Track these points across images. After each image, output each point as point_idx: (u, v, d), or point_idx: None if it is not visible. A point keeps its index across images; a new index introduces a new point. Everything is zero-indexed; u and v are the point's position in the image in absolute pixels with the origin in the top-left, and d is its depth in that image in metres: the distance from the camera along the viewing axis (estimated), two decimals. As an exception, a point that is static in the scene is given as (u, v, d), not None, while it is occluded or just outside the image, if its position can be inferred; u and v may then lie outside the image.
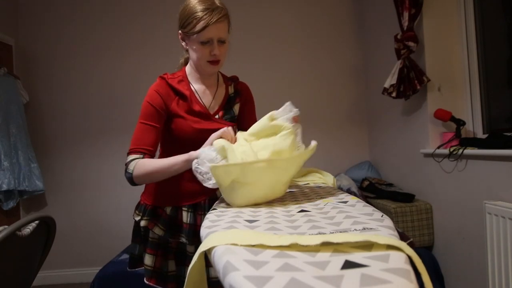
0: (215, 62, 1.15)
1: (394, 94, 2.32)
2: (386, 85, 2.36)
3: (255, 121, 1.36)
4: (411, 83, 2.19)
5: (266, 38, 3.18)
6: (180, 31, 1.17)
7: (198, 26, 1.08)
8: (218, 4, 1.11)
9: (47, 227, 1.33)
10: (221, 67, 1.22)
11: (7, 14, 2.96)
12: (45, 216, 1.28)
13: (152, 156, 1.13)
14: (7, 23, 2.94)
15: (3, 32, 2.86)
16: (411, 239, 2.10)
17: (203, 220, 1.25)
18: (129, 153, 1.12)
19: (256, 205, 0.94)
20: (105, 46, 3.11)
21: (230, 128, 1.05)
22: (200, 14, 1.08)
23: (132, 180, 1.10)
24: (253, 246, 0.56)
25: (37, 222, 1.23)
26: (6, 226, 1.12)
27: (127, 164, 1.10)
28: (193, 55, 1.16)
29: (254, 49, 3.17)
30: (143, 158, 1.10)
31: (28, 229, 1.19)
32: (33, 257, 1.30)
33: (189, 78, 1.24)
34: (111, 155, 3.08)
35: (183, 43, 1.19)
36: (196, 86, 1.24)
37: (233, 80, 1.34)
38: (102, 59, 3.10)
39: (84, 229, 3.05)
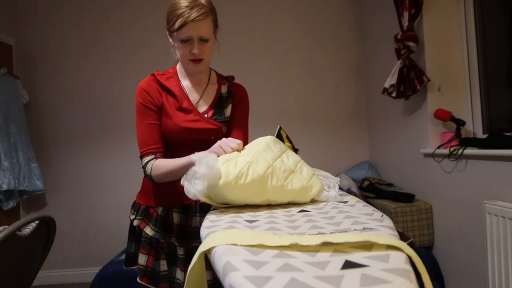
0: (196, 60, 1.13)
1: (394, 94, 2.32)
2: (386, 85, 2.36)
3: (243, 126, 1.29)
4: (411, 83, 2.19)
5: (265, 38, 3.18)
6: (166, 29, 1.16)
7: (177, 24, 1.07)
8: (201, 1, 1.08)
9: (47, 227, 1.33)
10: (206, 66, 1.20)
11: (7, 14, 2.95)
12: (45, 216, 1.27)
13: (162, 152, 1.16)
14: (7, 23, 2.94)
15: (3, 32, 2.86)
16: (411, 239, 2.10)
17: (193, 221, 1.25)
18: (141, 156, 1.16)
19: (256, 205, 0.94)
20: (105, 46, 3.10)
21: (224, 143, 1.01)
22: (179, 11, 1.06)
23: (153, 181, 1.15)
24: (253, 246, 0.56)
25: (37, 222, 1.23)
26: (6, 226, 1.12)
27: (144, 167, 1.15)
28: (177, 53, 1.16)
29: (253, 49, 3.17)
30: (155, 157, 1.14)
31: (28, 229, 1.19)
32: (33, 257, 1.29)
33: (179, 74, 1.24)
34: (111, 155, 3.08)
35: (170, 40, 1.18)
36: (185, 83, 1.23)
37: (228, 80, 1.29)
38: (102, 59, 3.10)
39: (84, 229, 3.05)
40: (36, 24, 3.07)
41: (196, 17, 1.05)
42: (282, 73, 3.18)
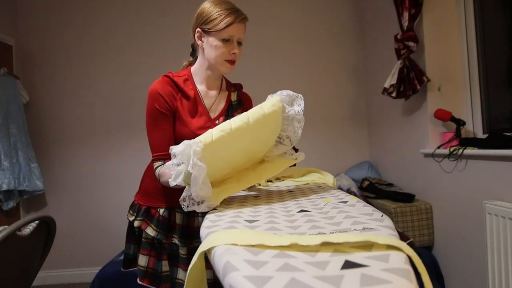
0: (232, 61, 1.17)
1: (394, 94, 2.32)
2: (386, 85, 2.36)
3: None
4: (411, 83, 2.19)
5: (265, 39, 3.18)
6: (198, 29, 1.16)
7: (223, 23, 1.10)
8: (238, 8, 1.16)
9: (47, 227, 1.33)
10: (235, 69, 1.21)
11: (7, 14, 2.95)
12: (45, 216, 1.28)
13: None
14: (7, 23, 2.94)
15: (3, 32, 2.86)
16: (411, 239, 2.10)
17: (196, 221, 1.26)
18: (153, 161, 1.18)
19: (256, 204, 0.94)
20: (105, 46, 3.10)
21: None
22: (225, 12, 1.11)
23: (162, 184, 1.16)
24: (253, 246, 0.56)
25: (37, 222, 1.23)
26: (6, 226, 1.12)
27: (154, 172, 1.17)
28: (211, 53, 1.15)
29: (253, 49, 3.16)
30: (164, 164, 1.14)
31: (28, 229, 1.19)
32: (33, 257, 1.29)
33: (194, 78, 1.23)
34: (111, 155, 3.08)
35: (199, 42, 1.18)
36: (200, 87, 1.23)
37: (237, 87, 1.32)
38: (102, 59, 3.10)
39: (84, 229, 3.05)
40: (36, 24, 3.07)
41: (241, 19, 1.13)
42: (282, 72, 3.18)
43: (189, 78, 1.22)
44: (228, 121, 0.96)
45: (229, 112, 1.26)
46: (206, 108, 1.22)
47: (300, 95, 1.07)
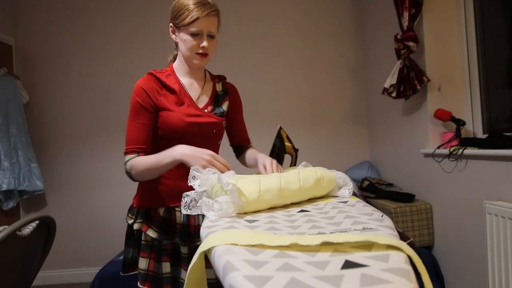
0: (203, 54, 1.18)
1: (394, 94, 2.32)
2: (386, 85, 2.36)
3: (243, 121, 1.41)
4: (411, 83, 2.19)
5: (265, 38, 3.18)
6: (171, 24, 1.20)
7: (190, 18, 1.12)
8: (210, 2, 1.16)
9: (47, 227, 1.33)
10: (209, 61, 1.23)
11: (7, 14, 2.95)
12: (45, 216, 1.28)
13: (146, 153, 1.16)
14: (7, 23, 2.94)
15: (3, 32, 2.86)
16: (411, 239, 2.10)
17: (196, 220, 1.26)
18: (125, 153, 1.16)
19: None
20: (105, 46, 3.10)
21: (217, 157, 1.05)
22: (192, 6, 1.12)
23: (133, 178, 1.16)
24: (253, 246, 0.56)
25: (37, 222, 1.23)
26: (6, 226, 1.12)
27: (125, 164, 1.16)
28: (182, 47, 1.19)
29: (252, 49, 3.17)
30: (137, 156, 1.14)
31: (28, 229, 1.19)
32: (33, 257, 1.30)
33: (177, 72, 1.26)
34: (111, 155, 3.08)
35: (173, 36, 1.22)
36: (184, 80, 1.25)
37: (221, 78, 1.36)
38: (102, 59, 3.10)
39: (84, 229, 3.05)
40: (36, 24, 3.07)
41: (209, 13, 1.13)
42: (282, 73, 3.18)
43: (171, 73, 1.25)
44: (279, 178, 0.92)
45: (215, 101, 1.29)
46: (192, 99, 1.24)
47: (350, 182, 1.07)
